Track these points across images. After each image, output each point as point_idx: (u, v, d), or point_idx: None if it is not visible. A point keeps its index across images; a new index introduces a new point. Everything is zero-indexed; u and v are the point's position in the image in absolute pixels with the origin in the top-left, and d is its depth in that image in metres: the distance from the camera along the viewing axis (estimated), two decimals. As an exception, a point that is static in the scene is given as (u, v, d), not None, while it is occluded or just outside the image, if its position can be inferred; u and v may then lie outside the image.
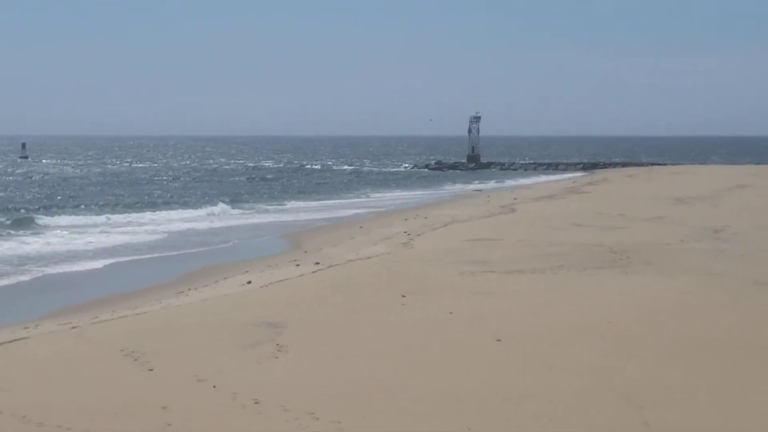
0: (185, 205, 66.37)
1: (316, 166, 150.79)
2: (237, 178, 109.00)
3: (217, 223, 53.23)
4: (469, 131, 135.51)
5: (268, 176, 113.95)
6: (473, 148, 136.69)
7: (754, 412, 13.65)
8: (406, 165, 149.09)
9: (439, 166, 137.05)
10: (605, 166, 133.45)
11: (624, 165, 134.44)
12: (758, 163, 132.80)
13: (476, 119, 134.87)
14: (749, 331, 18.52)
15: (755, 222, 40.37)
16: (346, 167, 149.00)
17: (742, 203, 53.23)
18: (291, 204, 69.65)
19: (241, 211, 62.40)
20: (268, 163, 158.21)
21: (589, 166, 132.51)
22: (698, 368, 15.93)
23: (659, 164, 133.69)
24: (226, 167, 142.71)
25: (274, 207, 66.81)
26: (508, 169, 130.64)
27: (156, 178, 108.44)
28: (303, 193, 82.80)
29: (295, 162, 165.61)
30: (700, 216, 43.86)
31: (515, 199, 61.99)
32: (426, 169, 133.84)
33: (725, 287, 23.65)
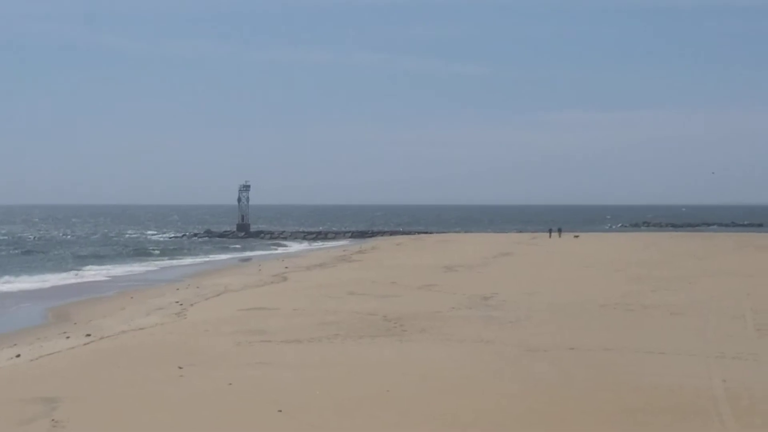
0: None
1: (58, 233, 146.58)
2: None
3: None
4: (239, 200, 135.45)
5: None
6: (243, 216, 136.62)
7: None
8: (175, 234, 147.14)
9: (209, 235, 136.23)
10: (374, 234, 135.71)
11: (392, 233, 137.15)
12: (520, 231, 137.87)
13: (246, 188, 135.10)
14: (527, 399, 18.91)
15: (521, 288, 41.71)
16: (101, 234, 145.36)
17: (508, 270, 55.04)
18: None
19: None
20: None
21: (358, 234, 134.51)
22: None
23: (426, 233, 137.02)
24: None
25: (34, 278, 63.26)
26: (278, 238, 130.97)
27: None
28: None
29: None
30: (469, 283, 45.03)
31: (286, 267, 62.25)
32: (195, 238, 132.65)
33: (500, 354, 24.20)
